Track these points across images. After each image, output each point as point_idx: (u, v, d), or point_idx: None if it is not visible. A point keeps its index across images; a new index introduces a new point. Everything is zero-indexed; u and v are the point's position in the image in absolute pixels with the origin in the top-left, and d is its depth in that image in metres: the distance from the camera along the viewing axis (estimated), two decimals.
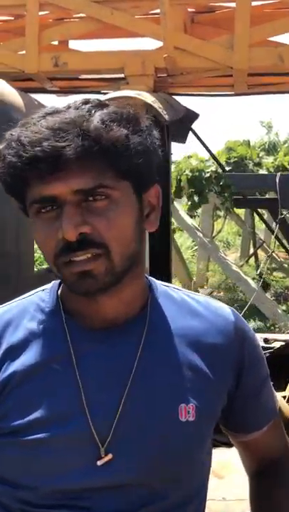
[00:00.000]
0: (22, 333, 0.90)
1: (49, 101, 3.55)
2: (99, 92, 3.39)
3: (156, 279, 0.99)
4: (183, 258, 8.83)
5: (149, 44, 3.15)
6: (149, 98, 2.80)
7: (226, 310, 0.97)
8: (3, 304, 0.96)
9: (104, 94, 3.17)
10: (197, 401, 0.88)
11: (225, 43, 3.01)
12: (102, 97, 2.95)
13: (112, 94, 2.90)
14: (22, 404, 0.86)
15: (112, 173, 0.81)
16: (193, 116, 3.23)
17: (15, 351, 0.89)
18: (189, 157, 8.82)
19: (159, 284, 0.97)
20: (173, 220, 9.67)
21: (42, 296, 0.94)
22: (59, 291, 0.92)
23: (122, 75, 3.11)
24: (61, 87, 3.54)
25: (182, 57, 2.95)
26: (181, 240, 10.27)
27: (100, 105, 0.83)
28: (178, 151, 13.82)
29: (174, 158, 9.43)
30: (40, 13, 3.34)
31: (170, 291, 0.97)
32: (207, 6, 3.33)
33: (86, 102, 0.83)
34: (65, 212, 0.79)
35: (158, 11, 2.89)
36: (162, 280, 1.01)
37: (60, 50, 3.32)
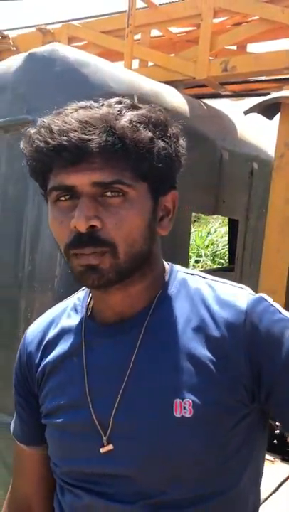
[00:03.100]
0: (57, 330, 0.99)
1: (223, 106, 3.59)
2: (269, 94, 3.31)
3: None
4: None
5: None
6: None
7: (241, 300, 0.88)
8: (58, 303, 1.05)
9: None
10: (196, 396, 0.84)
11: None
12: (260, 99, 2.89)
13: (271, 95, 2.82)
14: (50, 392, 0.97)
15: (132, 172, 0.82)
16: None
17: (50, 346, 0.99)
18: None
19: (180, 273, 0.95)
20: None
21: (80, 295, 1.01)
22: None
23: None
24: (234, 91, 3.55)
25: None
26: None
27: (132, 107, 0.86)
28: None
29: None
30: (218, 20, 3.42)
31: (189, 281, 0.94)
32: None
33: (119, 102, 0.86)
34: (80, 203, 0.82)
35: None
36: None
37: (230, 54, 3.35)
